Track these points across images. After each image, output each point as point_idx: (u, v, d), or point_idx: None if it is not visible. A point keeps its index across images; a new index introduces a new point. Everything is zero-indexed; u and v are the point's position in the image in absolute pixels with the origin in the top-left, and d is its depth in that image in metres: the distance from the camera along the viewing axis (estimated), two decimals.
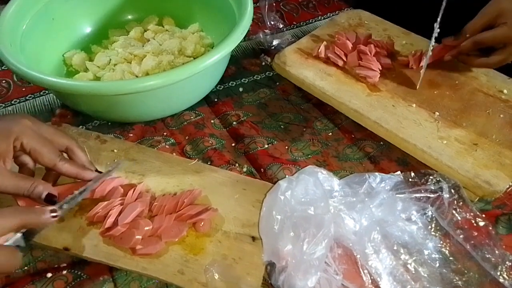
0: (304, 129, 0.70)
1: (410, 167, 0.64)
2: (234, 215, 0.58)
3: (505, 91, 0.70)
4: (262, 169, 0.65)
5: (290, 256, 0.50)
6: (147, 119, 0.72)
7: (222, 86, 0.78)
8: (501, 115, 0.66)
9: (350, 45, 0.76)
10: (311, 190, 0.54)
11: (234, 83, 0.79)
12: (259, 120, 0.72)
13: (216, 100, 0.76)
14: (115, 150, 0.66)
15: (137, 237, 0.54)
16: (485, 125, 0.65)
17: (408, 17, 0.84)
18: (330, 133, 0.70)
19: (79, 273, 0.54)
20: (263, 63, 0.82)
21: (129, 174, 0.63)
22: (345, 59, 0.75)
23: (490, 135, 0.64)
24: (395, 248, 0.52)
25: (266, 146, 0.68)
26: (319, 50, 0.76)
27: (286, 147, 0.68)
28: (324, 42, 0.77)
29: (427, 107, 0.68)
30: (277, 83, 0.78)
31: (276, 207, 0.54)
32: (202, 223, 0.56)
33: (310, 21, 0.93)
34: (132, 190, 0.59)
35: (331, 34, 0.81)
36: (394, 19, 0.85)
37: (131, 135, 0.70)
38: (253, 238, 0.56)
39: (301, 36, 0.83)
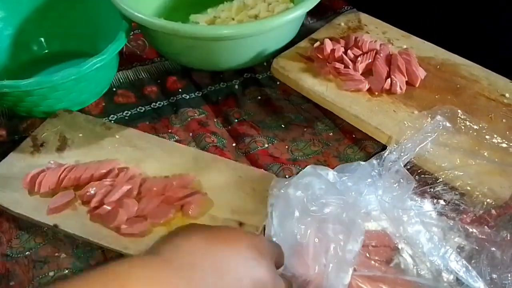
0: (305, 129, 0.70)
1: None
2: (224, 201, 0.58)
3: (507, 95, 0.69)
4: (262, 169, 0.64)
5: (319, 263, 0.49)
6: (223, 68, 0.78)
7: (224, 85, 0.78)
8: (504, 120, 0.66)
9: (328, 51, 0.74)
10: (321, 189, 0.53)
11: (236, 82, 0.78)
12: (260, 119, 0.71)
13: (218, 98, 0.75)
14: (117, 136, 0.67)
15: (122, 216, 0.54)
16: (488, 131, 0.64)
17: (409, 19, 0.83)
18: (331, 133, 0.69)
19: (77, 273, 0.53)
20: (265, 63, 0.81)
21: (127, 159, 0.64)
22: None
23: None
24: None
25: (266, 145, 0.67)
26: (311, 55, 0.76)
27: (287, 147, 0.67)
28: (314, 46, 0.76)
29: (429, 112, 0.67)
30: (278, 83, 0.77)
31: (294, 218, 0.52)
32: (191, 207, 0.56)
33: (311, 19, 0.93)
34: (124, 172, 0.60)
35: (330, 37, 0.81)
36: (395, 20, 0.85)
37: None
38: (240, 224, 0.56)
39: (303, 35, 0.82)
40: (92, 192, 0.57)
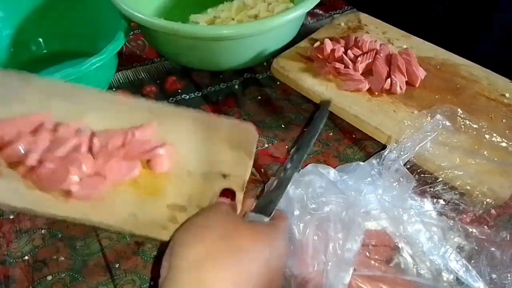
0: (305, 129, 0.70)
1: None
2: (197, 153, 0.49)
3: (507, 94, 0.69)
4: (262, 169, 0.64)
5: (318, 261, 0.49)
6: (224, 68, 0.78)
7: (224, 85, 0.78)
8: (504, 120, 0.66)
9: (328, 51, 0.74)
10: (321, 187, 0.53)
11: (236, 82, 0.78)
12: (260, 119, 0.71)
13: (218, 98, 0.75)
14: (43, 88, 0.53)
15: (73, 176, 0.43)
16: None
17: (409, 19, 0.83)
18: (331, 133, 0.69)
19: (76, 275, 0.53)
20: (265, 63, 0.81)
21: (63, 114, 0.50)
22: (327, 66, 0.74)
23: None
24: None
25: (266, 145, 0.67)
26: (311, 55, 0.76)
27: (287, 147, 0.67)
28: (314, 46, 0.76)
29: (428, 112, 0.67)
30: (278, 83, 0.77)
31: (294, 216, 0.52)
32: (159, 161, 0.47)
33: (311, 19, 0.93)
34: (65, 125, 0.48)
35: (330, 37, 0.80)
36: (395, 20, 0.85)
37: None
38: (224, 176, 0.48)
39: (303, 35, 0.82)
40: (24, 149, 0.45)
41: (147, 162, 0.48)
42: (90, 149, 0.47)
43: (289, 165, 0.51)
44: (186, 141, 0.50)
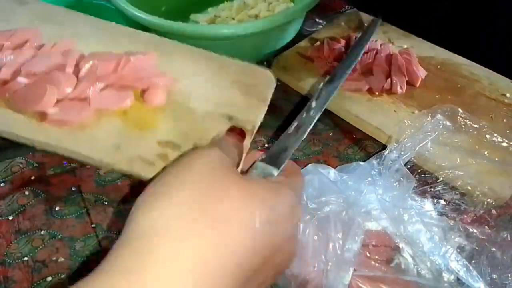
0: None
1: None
2: (203, 91, 0.43)
3: (508, 94, 0.69)
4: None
5: (318, 261, 0.48)
6: None
7: None
8: (504, 120, 0.66)
9: (328, 51, 0.74)
10: (321, 187, 0.53)
11: None
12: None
13: None
14: (36, 11, 0.50)
15: (50, 95, 0.38)
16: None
17: (409, 19, 0.83)
18: (331, 133, 0.69)
19: (76, 276, 0.53)
20: (264, 63, 0.81)
21: (54, 36, 0.46)
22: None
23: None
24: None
25: (266, 145, 0.67)
26: (311, 54, 0.76)
27: None
28: (314, 46, 0.76)
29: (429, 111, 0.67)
30: (278, 83, 0.77)
31: None
32: (155, 93, 0.40)
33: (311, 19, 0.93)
34: (52, 44, 0.43)
35: (330, 37, 0.81)
36: (395, 20, 0.85)
37: None
38: (230, 118, 0.41)
39: (303, 35, 0.82)
40: (1, 63, 0.40)
41: (141, 94, 0.41)
42: (76, 72, 0.41)
43: (314, 103, 0.42)
44: (191, 77, 0.44)
